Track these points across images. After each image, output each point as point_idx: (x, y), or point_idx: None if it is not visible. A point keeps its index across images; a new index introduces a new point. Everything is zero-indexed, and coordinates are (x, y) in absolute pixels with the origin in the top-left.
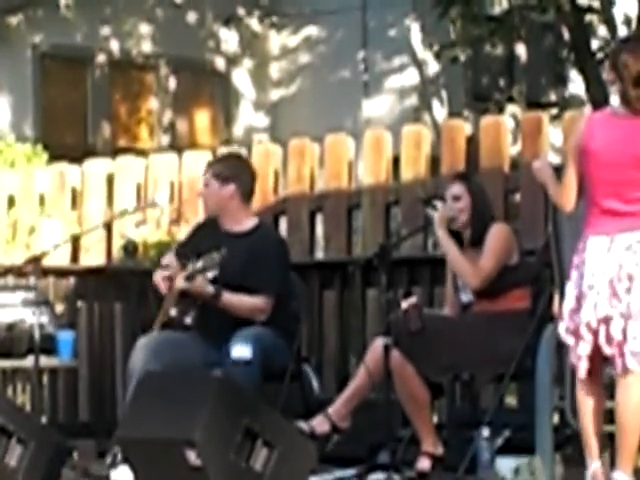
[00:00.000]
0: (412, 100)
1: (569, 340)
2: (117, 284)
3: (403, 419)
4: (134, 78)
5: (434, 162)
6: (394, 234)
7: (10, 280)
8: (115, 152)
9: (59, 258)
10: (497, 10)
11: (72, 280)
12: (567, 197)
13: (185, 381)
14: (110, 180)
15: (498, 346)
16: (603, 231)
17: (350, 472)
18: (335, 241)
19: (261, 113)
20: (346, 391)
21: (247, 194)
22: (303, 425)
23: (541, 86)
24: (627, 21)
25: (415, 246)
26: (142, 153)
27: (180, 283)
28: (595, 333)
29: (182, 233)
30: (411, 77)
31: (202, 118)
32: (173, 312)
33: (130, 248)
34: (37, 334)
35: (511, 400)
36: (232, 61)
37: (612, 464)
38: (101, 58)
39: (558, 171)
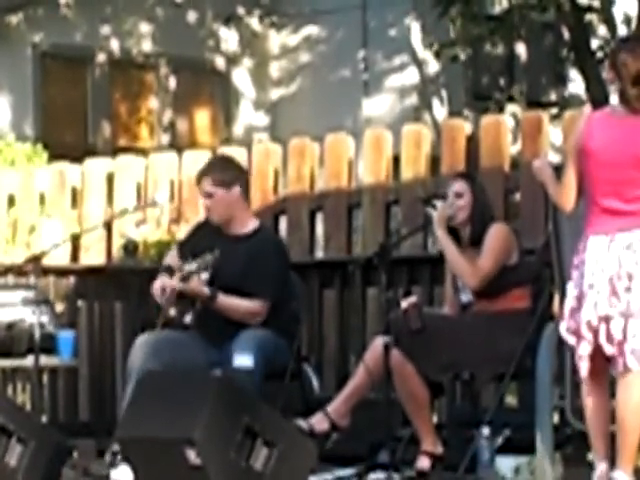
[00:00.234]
0: (412, 99)
1: (570, 340)
2: (117, 283)
3: (403, 418)
4: (134, 77)
5: (434, 161)
6: (394, 233)
7: (10, 279)
8: (115, 151)
9: (59, 257)
10: (497, 9)
11: (72, 279)
12: (567, 196)
13: (185, 380)
14: (110, 179)
15: (498, 345)
16: (603, 230)
17: (350, 471)
18: (335, 240)
19: (261, 112)
20: (345, 389)
21: (247, 192)
22: (302, 423)
23: (541, 85)
24: (627, 20)
25: (415, 245)
26: (142, 152)
27: (175, 283)
28: (595, 332)
29: (182, 232)
30: (411, 76)
31: (202, 117)
32: (172, 312)
33: (130, 247)
34: (37, 333)
35: (511, 399)
36: (232, 60)
37: (612, 463)
38: (101, 57)
39: (558, 170)
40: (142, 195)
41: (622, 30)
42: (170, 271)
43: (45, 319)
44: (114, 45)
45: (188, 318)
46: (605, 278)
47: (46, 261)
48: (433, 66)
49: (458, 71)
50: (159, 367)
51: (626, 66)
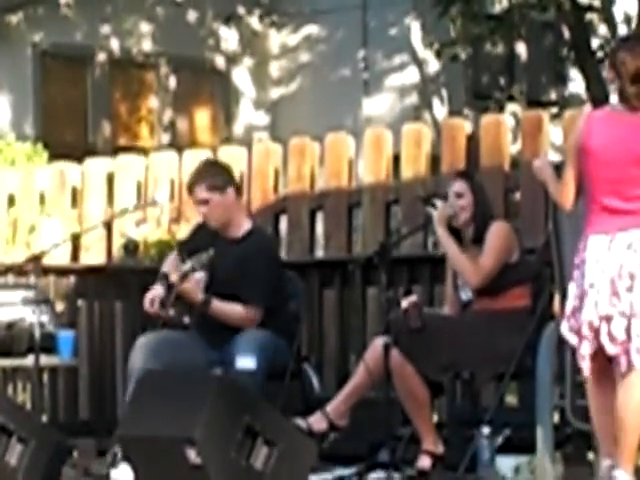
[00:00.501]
0: (412, 99)
1: (572, 339)
2: (117, 283)
3: (403, 418)
4: (134, 77)
5: (434, 161)
6: (394, 233)
7: (10, 279)
8: (115, 151)
9: (59, 257)
10: (497, 9)
11: (72, 279)
12: (567, 195)
13: (185, 379)
14: (110, 179)
15: (498, 345)
16: (603, 230)
17: (350, 470)
18: (335, 240)
19: (261, 112)
20: (345, 389)
21: (239, 192)
22: (301, 422)
23: (541, 85)
24: (627, 20)
25: (415, 245)
26: (142, 152)
27: (174, 279)
28: (596, 332)
29: (182, 232)
30: (411, 76)
31: (202, 117)
32: (171, 312)
33: (130, 247)
34: (37, 333)
35: (511, 399)
36: (232, 60)
37: None
38: (101, 57)
39: (558, 169)
40: (142, 194)
41: (622, 29)
42: (167, 278)
43: (45, 319)
44: (114, 44)
45: (186, 319)
46: (606, 278)
47: (46, 261)
48: (433, 65)
49: (458, 70)
50: (159, 367)
51: (625, 65)
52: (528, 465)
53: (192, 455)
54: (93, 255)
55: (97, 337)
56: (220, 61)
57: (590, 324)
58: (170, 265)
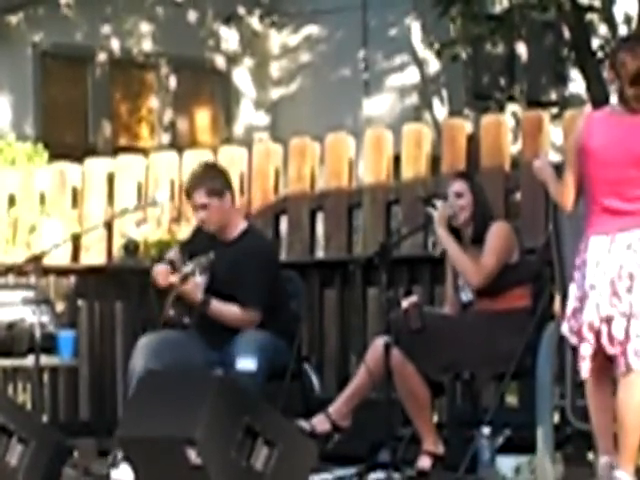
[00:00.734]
0: (412, 99)
1: (573, 340)
2: (118, 283)
3: (403, 418)
4: (134, 77)
5: (435, 161)
6: (394, 233)
7: (10, 279)
8: (115, 151)
9: (60, 257)
10: (497, 9)
11: (73, 279)
12: (567, 196)
13: (186, 380)
14: (111, 179)
15: (498, 345)
16: (603, 230)
17: (350, 471)
18: (335, 240)
19: (261, 112)
20: (346, 390)
21: (233, 195)
22: (304, 424)
23: (541, 85)
24: (627, 20)
25: (415, 245)
26: (143, 152)
27: (174, 279)
28: (597, 333)
29: (183, 232)
30: (411, 76)
31: (202, 117)
32: (171, 312)
33: (131, 247)
34: (38, 333)
35: (512, 399)
36: (232, 60)
37: None
38: (101, 57)
39: (558, 170)
40: (142, 195)
41: (623, 30)
42: (172, 264)
43: (45, 319)
44: (114, 45)
45: (187, 319)
46: (606, 279)
47: (46, 261)
48: (433, 66)
49: (458, 71)
50: (161, 368)
51: (625, 66)
52: (528, 465)
53: (192, 455)
54: (93, 255)
55: (97, 337)
56: (220, 61)
57: (590, 325)
58: (174, 255)
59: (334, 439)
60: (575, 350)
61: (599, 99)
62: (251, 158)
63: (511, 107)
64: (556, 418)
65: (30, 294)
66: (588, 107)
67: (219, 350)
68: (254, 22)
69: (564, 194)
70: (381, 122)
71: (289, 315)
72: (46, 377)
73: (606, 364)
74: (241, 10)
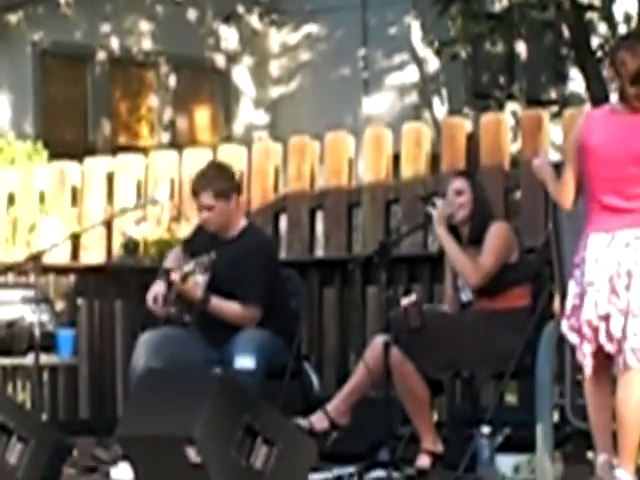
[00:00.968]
0: (412, 98)
1: (572, 338)
2: (117, 282)
3: (403, 417)
4: (134, 75)
5: (434, 160)
6: (394, 232)
7: (10, 278)
8: (115, 150)
9: (59, 256)
10: (497, 7)
11: (72, 278)
12: (567, 194)
13: (185, 378)
14: (110, 178)
15: (498, 344)
16: (603, 228)
17: (350, 469)
18: (335, 239)
19: (261, 111)
20: (345, 388)
21: (240, 193)
22: (302, 421)
23: (541, 84)
24: (627, 19)
25: (415, 244)
26: (142, 151)
27: (175, 278)
28: (596, 331)
29: (182, 231)
30: (411, 75)
31: (202, 115)
32: (172, 310)
33: (130, 246)
34: (37, 332)
35: (511, 398)
36: (232, 58)
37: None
38: (101, 55)
39: (558, 168)
40: (142, 193)
41: (622, 28)
42: (168, 275)
43: (45, 317)
44: (114, 43)
45: (187, 317)
46: (605, 276)
47: (46, 259)
48: (433, 64)
49: (458, 69)
50: (162, 365)
51: (625, 64)
52: (528, 464)
53: (192, 454)
54: (93, 254)
55: (97, 336)
56: (220, 60)
57: (589, 323)
58: (172, 260)
59: (332, 437)
60: (574, 349)
61: (599, 98)
62: (251, 157)
63: (511, 106)
64: (555, 417)
65: (30, 293)
66: (588, 106)
67: (219, 348)
68: (254, 21)
69: (564, 192)
70: (381, 121)
71: (288, 314)
72: (46, 376)
73: (605, 362)
74: (241, 9)
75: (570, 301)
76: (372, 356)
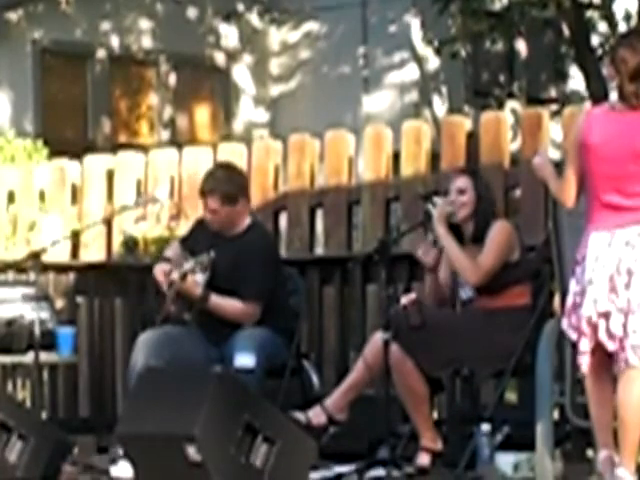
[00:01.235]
0: (412, 96)
1: (572, 336)
2: (117, 280)
3: (402, 415)
4: (134, 74)
5: (434, 158)
6: (394, 230)
7: (10, 276)
8: (115, 148)
9: (59, 254)
10: (497, 6)
11: (72, 276)
12: (567, 193)
13: (185, 376)
14: (110, 176)
15: (498, 342)
16: (603, 226)
17: (349, 468)
18: (335, 237)
19: (261, 109)
20: (344, 383)
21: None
22: (299, 415)
23: (541, 82)
24: (627, 17)
25: (415, 242)
26: (142, 149)
27: (174, 276)
28: (595, 328)
29: (182, 228)
30: (411, 73)
31: (202, 114)
32: (172, 308)
33: (130, 244)
34: (37, 330)
35: (511, 396)
36: (232, 57)
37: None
38: (101, 53)
39: (558, 166)
40: (142, 191)
41: (622, 27)
42: (169, 262)
43: (45, 315)
44: (114, 41)
45: (187, 315)
46: (605, 274)
47: (46, 258)
48: (433, 63)
49: (458, 68)
50: (162, 364)
51: (625, 62)
52: (528, 462)
53: (192, 452)
54: (93, 252)
55: (97, 334)
56: (220, 58)
57: (589, 320)
58: (173, 251)
59: (330, 432)
60: (575, 346)
61: (599, 96)
62: (250, 155)
63: (511, 104)
64: (555, 415)
65: (29, 291)
66: (588, 104)
67: (219, 346)
68: (254, 19)
69: (564, 190)
70: (381, 119)
71: (288, 312)
72: (45, 374)
73: (605, 360)
74: (241, 7)
75: (570, 299)
76: (372, 352)
